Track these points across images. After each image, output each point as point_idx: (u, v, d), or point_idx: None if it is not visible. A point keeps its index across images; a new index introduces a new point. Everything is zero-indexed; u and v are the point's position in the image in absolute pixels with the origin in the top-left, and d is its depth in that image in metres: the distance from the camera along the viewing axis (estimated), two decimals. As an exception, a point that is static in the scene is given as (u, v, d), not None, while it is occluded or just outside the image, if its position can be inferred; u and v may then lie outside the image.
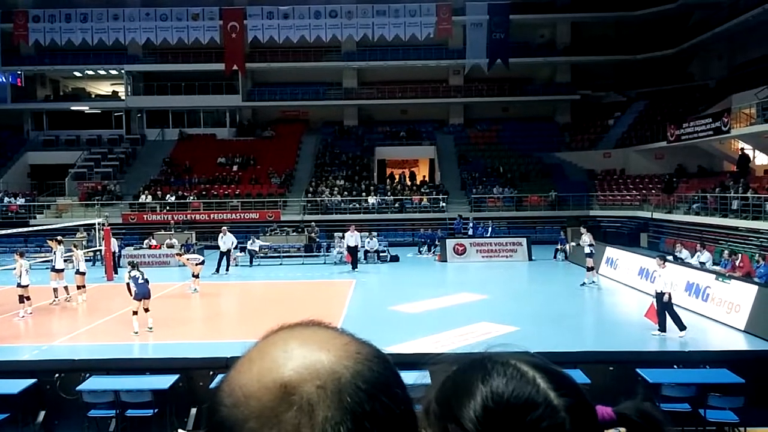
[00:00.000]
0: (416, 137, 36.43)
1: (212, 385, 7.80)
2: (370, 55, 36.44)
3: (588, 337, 12.18)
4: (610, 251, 19.81)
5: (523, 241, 23.80)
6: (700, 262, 16.79)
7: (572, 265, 22.06)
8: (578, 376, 7.19)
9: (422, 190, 32.43)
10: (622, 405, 0.72)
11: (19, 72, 37.98)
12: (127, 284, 12.63)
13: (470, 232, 26.31)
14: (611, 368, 8.13)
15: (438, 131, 37.08)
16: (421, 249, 26.07)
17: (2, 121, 37.68)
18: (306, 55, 36.27)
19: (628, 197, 29.54)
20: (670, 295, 11.34)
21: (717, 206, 22.95)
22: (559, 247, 23.62)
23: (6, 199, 31.61)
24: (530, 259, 23.20)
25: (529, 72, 37.24)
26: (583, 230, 18.23)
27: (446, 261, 23.29)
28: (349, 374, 0.60)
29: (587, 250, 17.27)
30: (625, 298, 16.07)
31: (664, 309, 11.43)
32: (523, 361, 0.69)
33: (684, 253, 18.54)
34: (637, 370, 7.94)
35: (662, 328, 11.44)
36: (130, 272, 12.52)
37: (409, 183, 34.06)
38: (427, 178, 35.58)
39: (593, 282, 17.29)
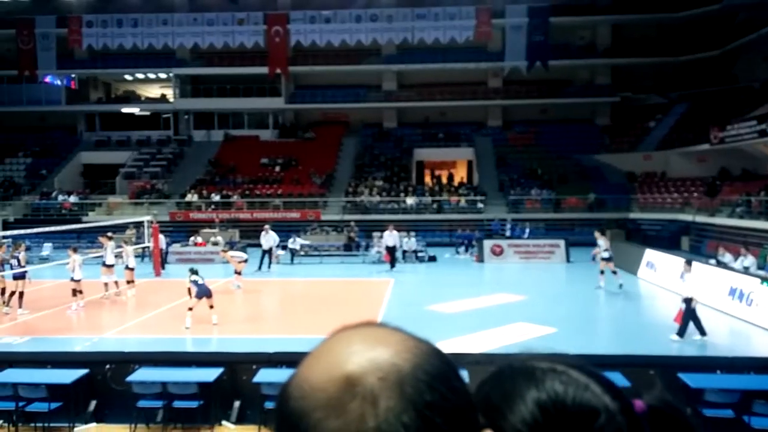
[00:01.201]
0: (454, 139, 36.52)
1: (255, 380, 8.02)
2: (410, 57, 36.65)
3: (627, 340, 11.94)
4: (650, 254, 19.55)
5: (561, 243, 23.65)
6: (744, 267, 16.48)
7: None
8: (618, 379, 7.08)
9: (460, 191, 32.56)
10: (646, 397, 0.74)
11: (73, 75, 39.55)
12: (188, 289, 13.19)
13: (508, 234, 26.33)
14: (651, 372, 7.99)
15: (476, 133, 37.00)
16: (458, 249, 26.19)
17: (57, 122, 39.31)
18: (347, 58, 36.70)
19: (669, 200, 29.02)
20: (694, 300, 11.24)
21: (762, 209, 22.42)
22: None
23: (60, 197, 32.96)
24: (568, 261, 23.04)
25: (569, 74, 36.89)
26: (597, 234, 18.00)
27: (483, 262, 23.38)
28: (409, 367, 0.63)
29: (605, 254, 17.10)
30: (665, 301, 15.72)
31: (694, 313, 11.31)
32: (569, 366, 0.71)
33: (727, 257, 18.21)
34: (679, 374, 7.81)
35: (702, 331, 11.27)
36: (190, 278, 13.05)
37: (446, 184, 34.21)
38: (465, 180, 35.68)
39: (620, 285, 16.94)
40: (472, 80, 37.26)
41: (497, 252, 23.65)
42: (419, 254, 23.92)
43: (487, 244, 23.96)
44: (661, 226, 27.75)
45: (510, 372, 0.72)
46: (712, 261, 17.81)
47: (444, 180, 35.07)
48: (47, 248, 24.59)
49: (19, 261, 14.66)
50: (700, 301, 11.45)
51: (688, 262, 11.87)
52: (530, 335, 11.89)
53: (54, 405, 7.86)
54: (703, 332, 11.30)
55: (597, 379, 0.70)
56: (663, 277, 17.73)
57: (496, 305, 15.10)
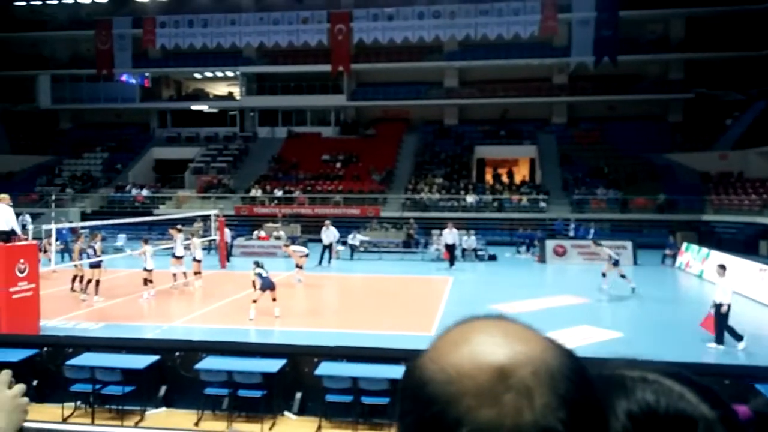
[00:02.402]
0: (517, 136, 35.90)
1: (316, 372, 8.01)
2: (472, 54, 36.22)
3: (697, 347, 11.40)
4: (722, 258, 18.66)
5: (628, 244, 22.83)
6: (830, 274, 15.49)
7: (680, 271, 21.05)
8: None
9: (522, 189, 32.02)
10: (753, 402, 0.72)
11: (147, 74, 41.15)
12: (253, 281, 13.51)
13: (571, 234, 25.68)
14: (726, 382, 7.53)
15: (540, 130, 36.24)
16: (519, 249, 25.75)
17: (132, 119, 41.11)
18: (408, 55, 36.68)
19: (746, 202, 27.53)
20: (729, 306, 10.89)
21: None
22: (667, 252, 22.59)
23: (134, 191, 34.47)
24: (635, 263, 22.24)
25: (639, 69, 35.49)
26: (592, 243, 17.94)
27: (545, 262, 22.90)
28: (557, 364, 0.62)
29: (613, 260, 16.84)
30: (737, 307, 14.97)
31: (721, 321, 10.99)
32: (662, 374, 0.69)
33: (811, 264, 17.14)
34: (756, 385, 7.40)
35: (719, 340, 10.99)
36: (255, 270, 13.40)
37: (507, 182, 33.67)
38: (527, 178, 35.03)
39: (632, 288, 16.52)
40: (536, 76, 36.50)
41: (560, 252, 23.12)
42: (479, 253, 23.66)
43: (550, 244, 23.47)
44: (737, 229, 26.39)
45: (599, 381, 0.69)
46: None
47: (505, 178, 34.54)
48: (121, 239, 25.69)
49: (95, 250, 15.30)
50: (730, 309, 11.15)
51: (722, 267, 11.54)
52: (595, 339, 11.56)
53: (127, 389, 8.10)
54: (720, 341, 11.05)
55: (694, 387, 0.67)
56: (737, 282, 16.88)
57: (558, 307, 14.78)
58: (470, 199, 30.84)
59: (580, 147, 34.32)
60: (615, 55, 32.05)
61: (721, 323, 11.01)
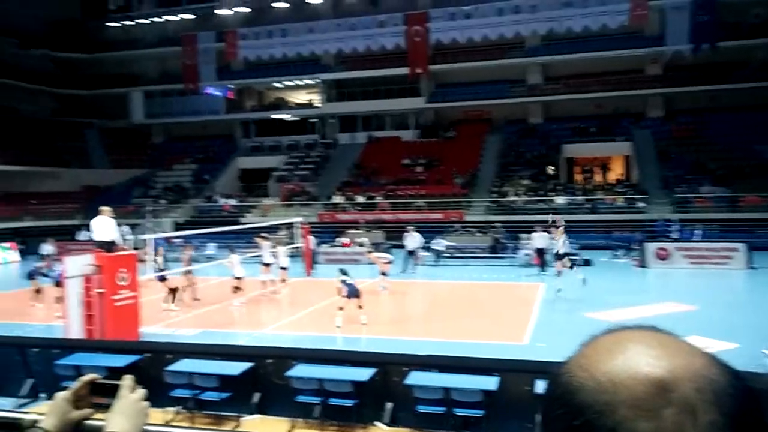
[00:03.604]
0: (608, 133, 34.13)
1: (406, 382, 7.76)
2: (556, 48, 34.76)
3: None
4: None
5: (741, 246, 21.05)
6: None
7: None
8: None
9: (616, 189, 30.32)
10: None
11: (230, 86, 42.43)
12: (338, 289, 13.35)
13: (675, 236, 23.98)
14: None
15: (634, 126, 34.28)
16: (616, 253, 24.32)
17: (217, 130, 42.41)
18: (488, 54, 35.67)
19: None
20: None
21: None
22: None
23: (221, 200, 35.50)
24: (750, 267, 20.50)
25: (742, 55, 32.69)
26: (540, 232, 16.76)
27: (646, 267, 21.49)
28: (723, 381, 0.59)
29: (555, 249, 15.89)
30: None
31: None
32: None
33: None
34: None
35: None
36: (340, 277, 13.30)
37: (601, 182, 31.99)
38: (622, 177, 33.18)
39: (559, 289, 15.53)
40: (626, 68, 34.52)
41: (663, 256, 21.61)
42: (572, 258, 22.45)
43: (651, 247, 22.03)
44: None
45: (748, 398, 0.63)
46: None
47: (597, 177, 32.86)
48: (212, 248, 26.40)
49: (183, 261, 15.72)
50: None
51: None
52: (709, 351, 10.55)
53: (224, 395, 8.20)
54: None
55: None
56: None
57: (663, 315, 13.73)
58: (560, 200, 29.54)
59: (679, 141, 32.14)
60: (715, 41, 29.81)
61: None
